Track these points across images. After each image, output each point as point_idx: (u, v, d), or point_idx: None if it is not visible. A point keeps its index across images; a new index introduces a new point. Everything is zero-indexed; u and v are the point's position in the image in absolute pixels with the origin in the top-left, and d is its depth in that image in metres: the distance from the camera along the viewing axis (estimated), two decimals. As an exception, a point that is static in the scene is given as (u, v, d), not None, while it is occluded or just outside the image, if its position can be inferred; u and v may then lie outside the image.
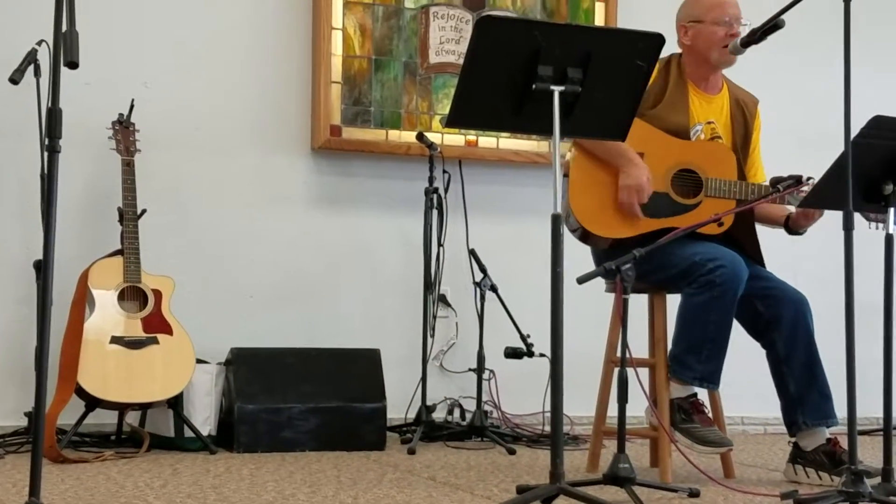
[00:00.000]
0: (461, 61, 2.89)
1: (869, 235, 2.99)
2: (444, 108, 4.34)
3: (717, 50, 3.29)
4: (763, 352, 3.31)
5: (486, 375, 4.13)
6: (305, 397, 3.78)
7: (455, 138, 4.39)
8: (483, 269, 4.10)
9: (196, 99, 4.20)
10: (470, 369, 4.17)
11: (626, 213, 3.17)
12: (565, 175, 3.25)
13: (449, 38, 4.40)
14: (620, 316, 2.78)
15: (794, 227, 3.34)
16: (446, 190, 4.21)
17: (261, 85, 4.28)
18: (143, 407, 3.73)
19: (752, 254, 3.36)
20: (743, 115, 3.42)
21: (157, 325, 3.67)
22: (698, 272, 3.10)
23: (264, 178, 4.29)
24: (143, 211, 3.75)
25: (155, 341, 3.65)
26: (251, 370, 3.81)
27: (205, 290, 4.14)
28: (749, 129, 3.43)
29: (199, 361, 3.74)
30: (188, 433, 3.69)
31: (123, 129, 3.81)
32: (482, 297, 4.09)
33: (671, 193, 3.24)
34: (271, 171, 4.29)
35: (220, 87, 4.24)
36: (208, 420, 3.77)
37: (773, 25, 2.88)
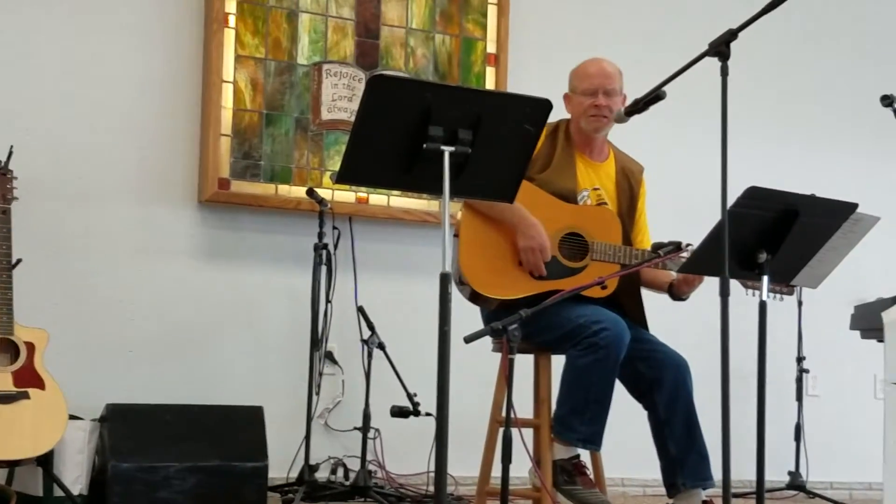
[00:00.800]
0: (353, 119, 2.90)
1: (747, 301, 3.09)
2: (335, 164, 4.34)
3: (585, 118, 3.41)
4: (643, 413, 3.37)
5: (371, 434, 4.09)
6: (183, 456, 3.68)
7: (346, 195, 4.39)
8: (371, 327, 4.08)
9: (79, 147, 4.11)
10: (355, 428, 4.12)
11: (524, 271, 3.23)
12: (455, 235, 3.28)
13: (341, 96, 4.42)
14: (506, 376, 2.80)
15: (677, 292, 3.43)
16: (336, 246, 4.19)
17: (148, 135, 4.21)
18: (11, 464, 3.56)
19: (636, 317, 3.43)
20: (628, 182, 3.51)
21: (28, 379, 3.53)
22: (582, 334, 3.15)
23: (148, 230, 4.20)
24: (19, 261, 3.63)
25: (26, 396, 3.50)
26: (127, 427, 3.69)
27: (81, 344, 4.02)
28: (634, 195, 3.52)
29: (72, 417, 3.61)
30: (58, 492, 3.55)
31: (0, 175, 3.69)
32: (369, 355, 4.06)
33: (558, 256, 3.30)
34: (156, 223, 4.21)
35: (105, 136, 4.15)
36: (80, 479, 3.63)
37: (655, 96, 2.97)
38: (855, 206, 2.98)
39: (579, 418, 3.17)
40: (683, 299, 3.45)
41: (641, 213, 3.57)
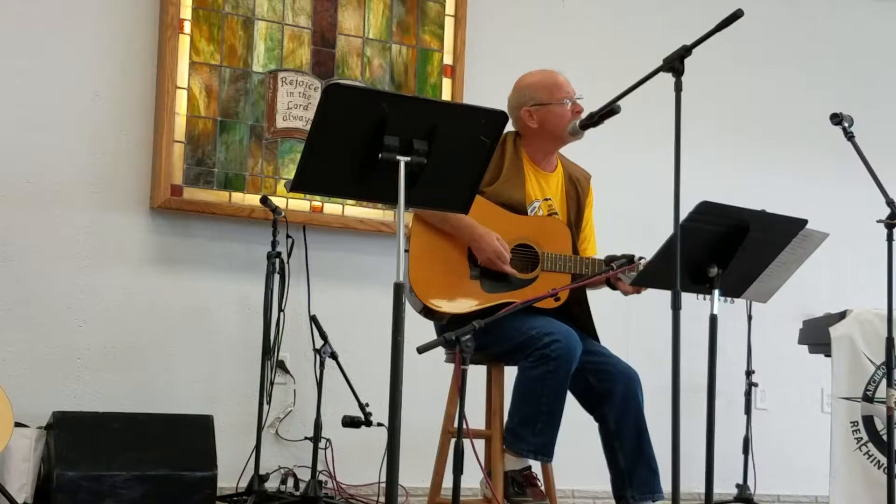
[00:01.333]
0: (308, 127, 2.89)
1: (697, 314, 3.12)
2: (290, 172, 4.32)
3: (570, 126, 3.40)
4: (594, 425, 3.38)
5: (322, 444, 4.07)
6: (131, 464, 3.64)
7: (300, 203, 4.37)
8: (324, 336, 4.06)
9: (30, 151, 4.05)
10: (306, 438, 4.10)
11: (478, 285, 3.24)
12: (406, 250, 3.28)
13: (297, 104, 4.40)
14: (459, 386, 2.80)
15: (614, 285, 3.43)
16: (289, 255, 4.16)
17: (100, 140, 4.16)
18: (-46, 473, 3.51)
19: (587, 328, 3.45)
20: (576, 190, 3.54)
21: (-27, 385, 3.48)
22: (534, 346, 3.16)
23: (99, 236, 4.15)
24: (-34, 265, 3.57)
25: (-30, 403, 3.45)
26: (74, 435, 3.64)
27: (29, 350, 3.95)
28: (582, 203, 3.54)
29: (17, 425, 3.55)
30: (2, 501, 3.49)
31: (-51, 178, 3.63)
32: (322, 365, 4.04)
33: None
34: (107, 229, 4.16)
35: (56, 141, 4.09)
36: (25, 487, 3.57)
37: (610, 110, 3.00)
38: (804, 221, 3.03)
39: (531, 429, 3.18)
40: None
41: (588, 221, 3.58)
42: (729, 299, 3.22)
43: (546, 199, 3.45)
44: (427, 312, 3.27)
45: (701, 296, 3.13)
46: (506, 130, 3.41)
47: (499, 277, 3.28)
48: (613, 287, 3.42)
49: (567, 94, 3.41)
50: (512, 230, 3.32)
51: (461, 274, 3.28)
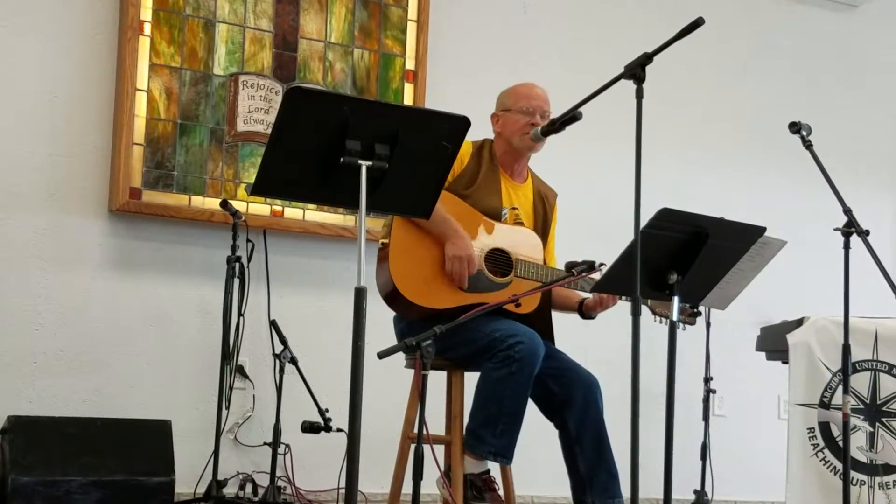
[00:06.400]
0: (269, 131, 2.88)
1: (657, 321, 3.14)
2: (251, 176, 4.29)
3: (518, 136, 3.45)
4: (554, 431, 3.39)
5: (281, 450, 4.04)
6: (87, 470, 3.59)
7: (260, 208, 4.34)
8: (283, 341, 4.04)
9: (-14, 152, 4.00)
10: (265, 443, 4.07)
11: (451, 283, 3.24)
12: (383, 246, 3.28)
13: (258, 108, 4.38)
14: (419, 392, 2.79)
15: (586, 312, 3.48)
16: (249, 259, 4.14)
17: (58, 142, 4.11)
18: None
19: (547, 334, 3.47)
20: (543, 206, 3.58)
21: (-75, 389, 3.42)
22: (497, 347, 3.18)
23: (56, 238, 4.10)
24: (-81, 267, 3.52)
25: (-78, 407, 3.39)
26: (29, 440, 3.59)
27: (-17, 354, 3.90)
28: (548, 220, 3.59)
29: (-29, 430, 3.51)
30: (-47, 508, 3.44)
31: None
32: (281, 370, 4.02)
33: (485, 271, 3.33)
34: (64, 231, 4.11)
35: (12, 143, 4.04)
36: (-23, 494, 3.52)
37: (571, 117, 3.02)
38: (763, 229, 3.06)
39: (491, 431, 3.19)
40: (593, 317, 3.51)
41: (551, 238, 3.64)
42: (685, 326, 3.26)
43: (513, 208, 3.48)
44: (407, 307, 3.26)
45: (658, 319, 3.18)
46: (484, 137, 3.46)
47: (476, 279, 3.30)
48: (585, 316, 3.46)
49: (531, 105, 3.43)
50: (489, 235, 3.37)
51: (438, 271, 3.29)
